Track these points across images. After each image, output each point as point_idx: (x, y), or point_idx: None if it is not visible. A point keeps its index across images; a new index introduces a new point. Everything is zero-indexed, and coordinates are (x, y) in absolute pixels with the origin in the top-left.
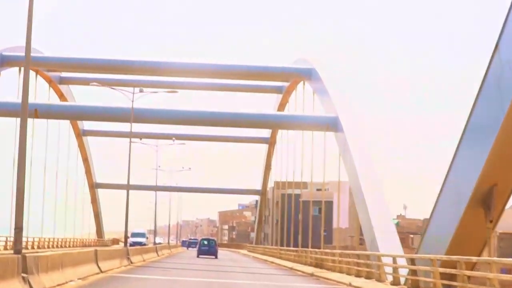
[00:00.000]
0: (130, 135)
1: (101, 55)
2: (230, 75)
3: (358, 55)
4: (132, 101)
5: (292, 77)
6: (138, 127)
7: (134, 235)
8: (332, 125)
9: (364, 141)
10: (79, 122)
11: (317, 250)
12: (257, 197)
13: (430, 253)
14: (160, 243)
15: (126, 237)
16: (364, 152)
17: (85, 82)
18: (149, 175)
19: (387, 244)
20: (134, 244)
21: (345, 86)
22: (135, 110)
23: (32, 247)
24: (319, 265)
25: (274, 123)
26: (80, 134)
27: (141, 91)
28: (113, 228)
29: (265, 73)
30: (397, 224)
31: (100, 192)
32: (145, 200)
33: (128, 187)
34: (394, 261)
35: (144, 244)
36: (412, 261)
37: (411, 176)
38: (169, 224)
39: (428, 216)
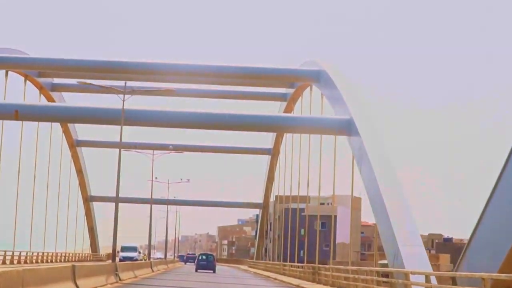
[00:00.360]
0: (120, 142)
1: (91, 56)
2: (232, 77)
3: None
4: (123, 100)
5: (299, 80)
6: (133, 137)
7: (125, 249)
8: (345, 128)
9: (384, 145)
10: (72, 132)
11: (326, 266)
12: (257, 212)
13: (475, 271)
14: (160, 258)
15: (114, 251)
16: (384, 157)
17: (80, 89)
18: (147, 187)
19: (414, 259)
20: (124, 259)
21: (358, 88)
22: (127, 112)
23: (19, 262)
24: (329, 282)
25: (279, 126)
26: (74, 145)
27: (133, 90)
28: (110, 243)
29: (270, 75)
30: None
31: (96, 205)
32: (144, 213)
33: (117, 199)
34: (427, 280)
35: (136, 259)
36: (453, 280)
37: (411, 189)
38: (166, 238)
39: (432, 231)
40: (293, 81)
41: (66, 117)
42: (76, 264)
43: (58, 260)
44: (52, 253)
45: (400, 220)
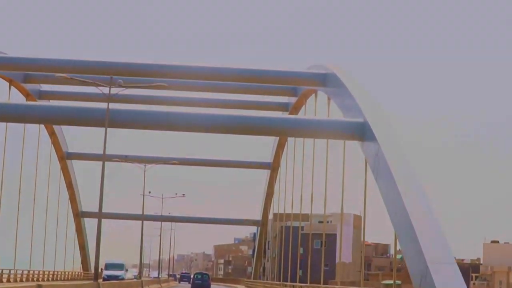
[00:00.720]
0: (104, 147)
1: (81, 56)
2: (231, 80)
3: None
4: (109, 97)
5: (303, 83)
6: (125, 148)
7: (109, 266)
8: (358, 132)
9: (404, 150)
10: (62, 144)
11: (336, 286)
12: (254, 230)
13: None
14: (156, 278)
15: (96, 270)
16: (406, 163)
17: (70, 97)
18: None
19: (448, 280)
20: (109, 278)
21: (372, 91)
22: (112, 112)
23: (1, 281)
24: None
25: (284, 130)
26: (64, 157)
27: (119, 85)
28: (103, 261)
29: (272, 78)
30: (401, 259)
31: (90, 221)
32: (148, 230)
33: (100, 216)
34: None
35: (123, 278)
36: None
37: None
38: (160, 257)
39: None
40: (297, 84)
41: (45, 118)
42: (44, 283)
43: (46, 279)
44: (39, 272)
45: (427, 234)
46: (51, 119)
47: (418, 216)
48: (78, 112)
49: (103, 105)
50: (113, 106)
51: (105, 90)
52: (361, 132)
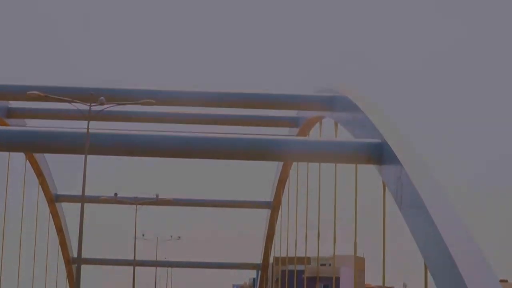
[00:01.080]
0: (83, 177)
1: (68, 83)
2: (226, 106)
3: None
4: (89, 117)
5: (308, 108)
6: (115, 188)
7: None
8: (375, 154)
9: (431, 173)
10: (51, 187)
11: None
12: (253, 275)
13: None
14: None
15: None
16: (434, 186)
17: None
18: (138, 246)
19: None
20: None
21: (388, 112)
22: (93, 137)
23: None
24: None
25: (289, 154)
26: (53, 200)
27: (101, 103)
28: None
29: (273, 103)
30: None
31: (83, 268)
32: (143, 277)
33: (80, 260)
34: None
35: None
36: None
37: (411, 250)
38: None
39: None
40: (300, 109)
41: (11, 145)
42: None
43: None
44: None
45: (474, 272)
46: (20, 147)
47: (459, 248)
48: (54, 137)
49: (83, 130)
50: (95, 131)
51: (85, 112)
52: (379, 154)
